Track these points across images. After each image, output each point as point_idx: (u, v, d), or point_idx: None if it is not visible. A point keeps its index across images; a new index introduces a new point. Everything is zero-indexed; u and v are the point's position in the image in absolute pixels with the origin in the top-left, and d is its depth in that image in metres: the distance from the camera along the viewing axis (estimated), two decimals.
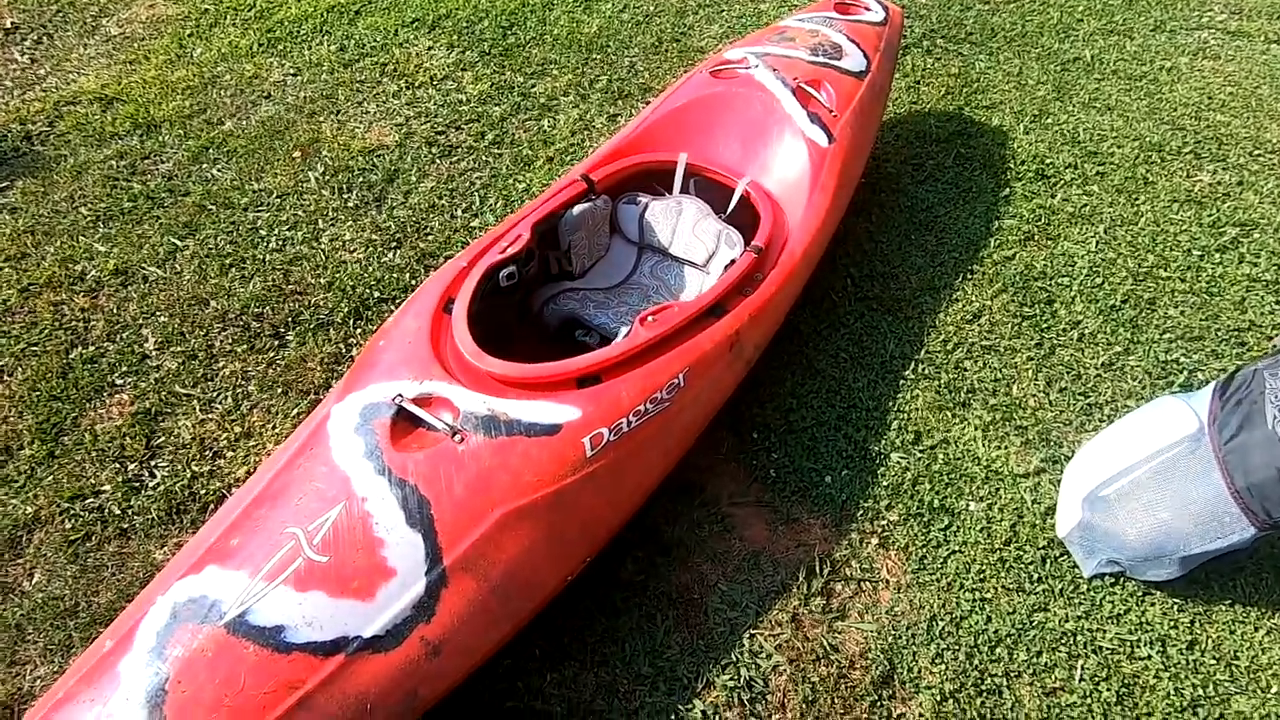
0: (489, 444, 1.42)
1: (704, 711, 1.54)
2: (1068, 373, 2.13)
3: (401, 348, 1.58)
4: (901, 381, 2.10)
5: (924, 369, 2.13)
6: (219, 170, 2.70)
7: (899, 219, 2.57)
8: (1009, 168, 2.75)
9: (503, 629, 1.40)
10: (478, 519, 1.36)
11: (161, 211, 2.55)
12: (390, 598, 1.27)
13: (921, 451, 1.95)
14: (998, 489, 1.88)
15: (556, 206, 1.98)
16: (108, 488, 1.87)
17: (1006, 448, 1.96)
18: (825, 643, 1.64)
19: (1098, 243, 2.48)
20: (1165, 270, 2.40)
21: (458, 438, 1.41)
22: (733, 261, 1.90)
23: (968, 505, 1.86)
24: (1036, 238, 2.51)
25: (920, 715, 1.55)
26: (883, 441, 1.97)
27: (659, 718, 1.53)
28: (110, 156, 2.72)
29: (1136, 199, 2.63)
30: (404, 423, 1.46)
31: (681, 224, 2.14)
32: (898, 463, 1.93)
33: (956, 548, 1.78)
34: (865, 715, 1.55)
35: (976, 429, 2.00)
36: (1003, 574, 1.74)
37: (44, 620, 1.65)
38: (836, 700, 1.56)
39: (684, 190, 2.17)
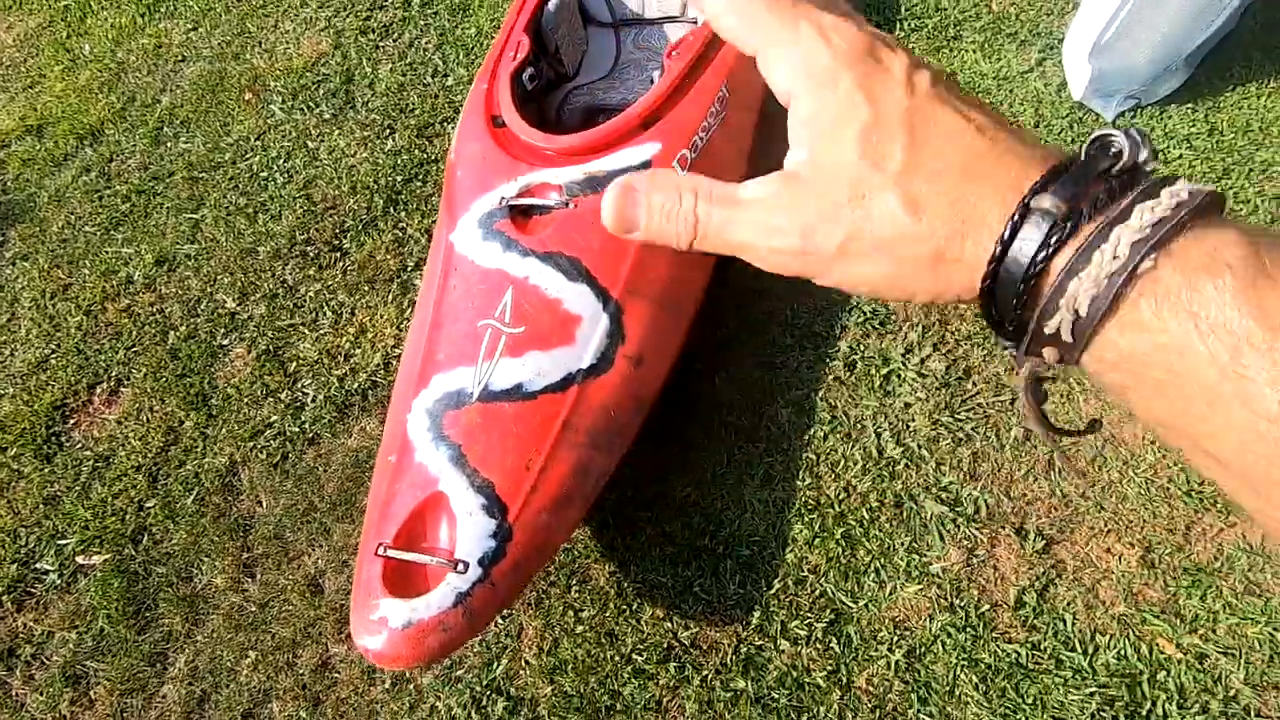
0: (599, 197, 1.59)
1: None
2: None
3: (479, 165, 1.72)
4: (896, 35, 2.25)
5: (909, 24, 2.27)
6: (185, 141, 2.69)
7: None
8: None
9: (680, 330, 1.65)
10: (622, 255, 1.56)
11: (159, 197, 2.58)
12: (587, 335, 1.49)
13: None
14: (1011, 89, 2.09)
15: (533, 10, 2.04)
16: (275, 417, 2.06)
17: (1005, 55, 2.15)
18: None
19: None
20: None
21: (572, 204, 1.59)
22: None
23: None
24: None
25: None
26: None
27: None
28: (77, 174, 2.70)
29: None
30: (519, 217, 1.62)
31: None
32: None
33: None
34: None
35: (974, 52, 2.17)
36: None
37: (293, 523, 1.90)
38: None
39: None
